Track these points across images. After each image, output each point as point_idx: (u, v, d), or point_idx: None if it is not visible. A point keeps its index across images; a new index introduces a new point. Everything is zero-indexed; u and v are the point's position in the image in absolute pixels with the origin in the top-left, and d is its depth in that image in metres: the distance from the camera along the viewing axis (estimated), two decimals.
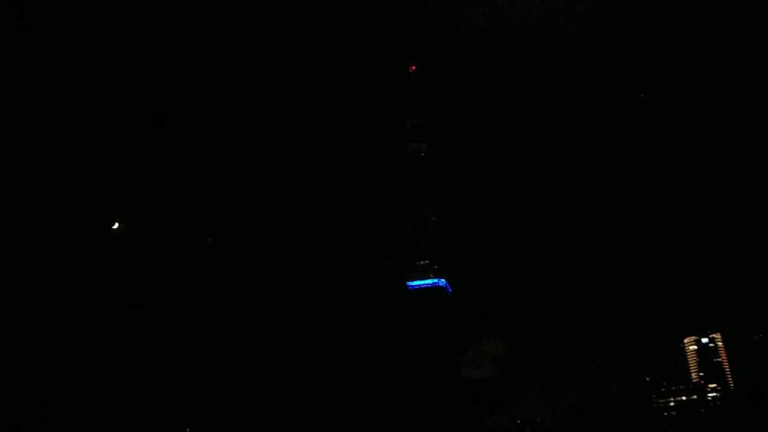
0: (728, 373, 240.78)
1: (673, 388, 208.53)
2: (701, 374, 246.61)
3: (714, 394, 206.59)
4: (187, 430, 21.89)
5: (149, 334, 21.42)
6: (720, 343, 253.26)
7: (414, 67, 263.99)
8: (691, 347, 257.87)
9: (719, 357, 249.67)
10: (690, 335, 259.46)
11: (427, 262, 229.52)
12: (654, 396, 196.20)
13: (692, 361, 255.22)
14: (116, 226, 33.11)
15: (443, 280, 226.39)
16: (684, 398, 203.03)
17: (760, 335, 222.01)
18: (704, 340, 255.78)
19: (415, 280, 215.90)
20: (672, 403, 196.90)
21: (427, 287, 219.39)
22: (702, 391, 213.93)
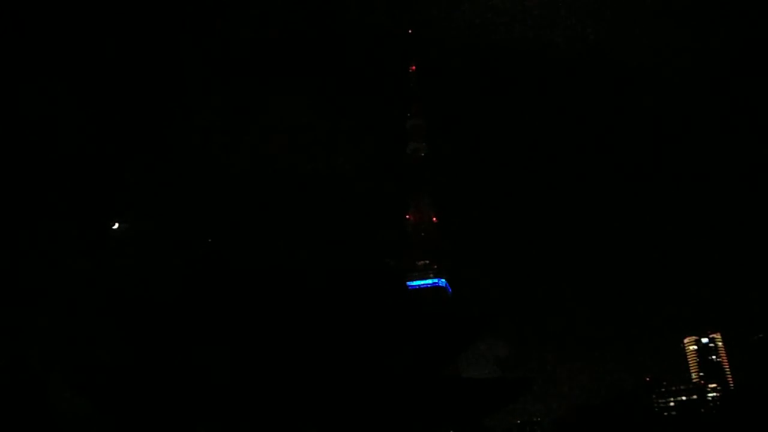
0: (728, 373, 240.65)
1: (673, 388, 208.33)
2: (701, 374, 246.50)
3: (714, 394, 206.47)
4: None
5: (149, 334, 21.43)
6: (720, 343, 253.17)
7: (414, 67, 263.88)
8: (691, 347, 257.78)
9: (719, 357, 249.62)
10: (690, 335, 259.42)
11: (427, 262, 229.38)
12: (654, 396, 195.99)
13: (692, 361, 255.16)
14: (116, 225, 33.10)
15: (443, 280, 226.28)
16: (684, 398, 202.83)
17: (760, 335, 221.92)
18: (704, 340, 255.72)
19: (415, 280, 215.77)
20: (672, 403, 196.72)
21: (427, 287, 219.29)
22: (702, 391, 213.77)
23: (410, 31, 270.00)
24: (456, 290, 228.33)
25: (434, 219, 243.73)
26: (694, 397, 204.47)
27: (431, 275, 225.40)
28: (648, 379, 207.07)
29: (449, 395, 21.35)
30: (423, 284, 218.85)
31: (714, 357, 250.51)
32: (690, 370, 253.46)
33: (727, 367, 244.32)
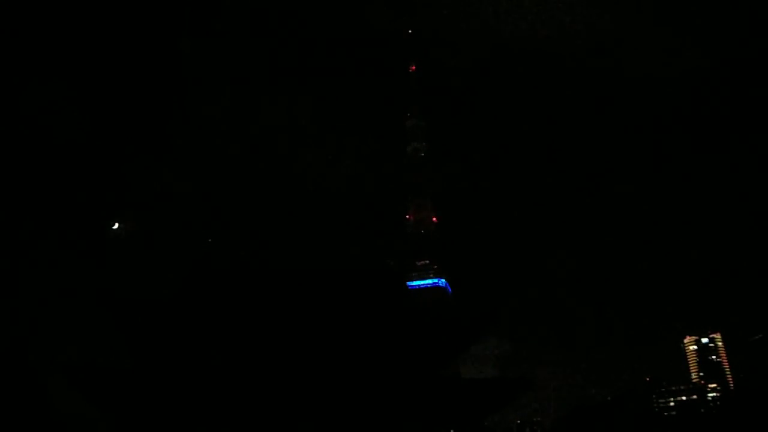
0: (728, 373, 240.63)
1: (673, 388, 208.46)
2: (701, 374, 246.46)
3: (714, 394, 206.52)
4: None
5: (149, 334, 21.44)
6: (720, 343, 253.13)
7: (414, 67, 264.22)
8: (691, 347, 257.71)
9: (719, 357, 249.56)
10: (690, 335, 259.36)
11: (427, 262, 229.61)
12: (654, 396, 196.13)
13: (692, 361, 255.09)
14: (116, 226, 33.13)
15: (443, 280, 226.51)
16: (684, 398, 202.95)
17: (760, 335, 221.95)
18: (704, 340, 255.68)
19: (415, 280, 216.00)
20: (672, 403, 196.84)
21: (427, 287, 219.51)
22: (702, 391, 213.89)
23: (410, 31, 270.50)
24: (456, 290, 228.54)
25: (434, 219, 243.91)
26: (694, 397, 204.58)
27: (431, 275, 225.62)
28: (648, 379, 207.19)
29: (449, 395, 21.37)
30: (423, 284, 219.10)
31: (714, 357, 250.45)
32: (690, 370, 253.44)
33: (727, 367, 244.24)
